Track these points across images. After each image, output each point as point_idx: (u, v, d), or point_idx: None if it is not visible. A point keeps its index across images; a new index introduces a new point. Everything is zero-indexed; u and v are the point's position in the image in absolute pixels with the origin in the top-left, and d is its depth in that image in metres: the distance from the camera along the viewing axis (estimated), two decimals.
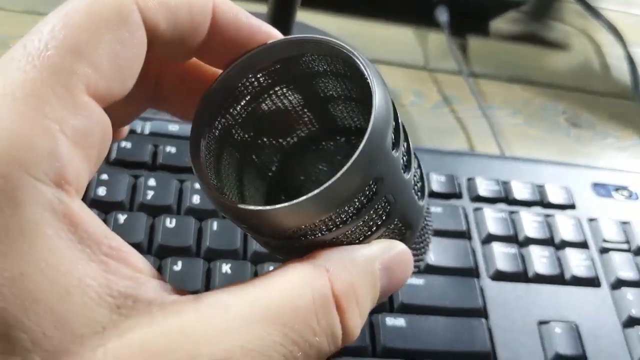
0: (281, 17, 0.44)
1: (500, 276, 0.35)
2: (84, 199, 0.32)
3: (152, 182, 0.34)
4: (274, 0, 0.43)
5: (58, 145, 0.17)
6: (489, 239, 0.36)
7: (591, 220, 0.39)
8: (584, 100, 0.57)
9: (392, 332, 0.31)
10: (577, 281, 0.36)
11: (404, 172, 0.22)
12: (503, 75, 0.57)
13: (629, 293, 0.36)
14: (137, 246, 0.31)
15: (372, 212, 0.21)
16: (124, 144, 0.35)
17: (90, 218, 0.18)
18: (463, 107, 0.52)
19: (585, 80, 0.59)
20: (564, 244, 0.37)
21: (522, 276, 0.35)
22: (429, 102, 0.52)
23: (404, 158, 0.22)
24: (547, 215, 0.39)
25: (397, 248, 0.23)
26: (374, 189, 0.21)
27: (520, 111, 0.54)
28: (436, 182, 0.38)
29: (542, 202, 0.39)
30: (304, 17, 0.50)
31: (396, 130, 0.21)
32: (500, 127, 0.51)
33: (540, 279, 0.35)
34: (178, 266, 0.31)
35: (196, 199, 0.34)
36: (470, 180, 0.39)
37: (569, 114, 0.55)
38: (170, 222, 0.33)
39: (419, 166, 0.25)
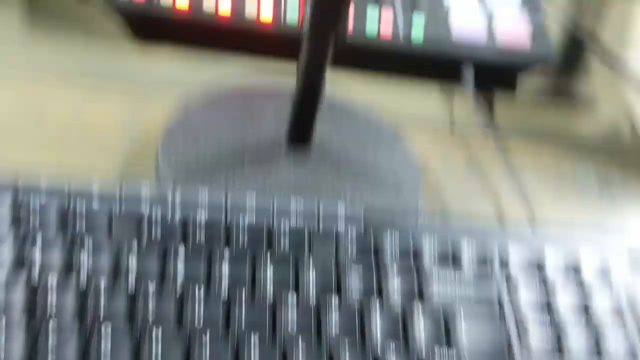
0: (308, 95, 0.44)
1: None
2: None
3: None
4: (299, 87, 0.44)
5: None
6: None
7: (627, 287, 0.38)
8: (614, 159, 0.56)
9: None
10: None
11: None
12: (531, 135, 0.57)
13: None
14: (167, 320, 0.32)
15: None
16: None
17: None
18: (491, 169, 0.52)
19: (615, 138, 0.59)
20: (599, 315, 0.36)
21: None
22: (456, 164, 0.52)
23: None
24: (581, 284, 0.38)
25: None
26: None
27: (549, 172, 0.53)
28: (467, 252, 0.38)
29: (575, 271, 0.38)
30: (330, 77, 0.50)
31: None
32: (530, 189, 0.51)
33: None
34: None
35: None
36: (501, 250, 0.39)
37: (600, 174, 0.54)
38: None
39: None
